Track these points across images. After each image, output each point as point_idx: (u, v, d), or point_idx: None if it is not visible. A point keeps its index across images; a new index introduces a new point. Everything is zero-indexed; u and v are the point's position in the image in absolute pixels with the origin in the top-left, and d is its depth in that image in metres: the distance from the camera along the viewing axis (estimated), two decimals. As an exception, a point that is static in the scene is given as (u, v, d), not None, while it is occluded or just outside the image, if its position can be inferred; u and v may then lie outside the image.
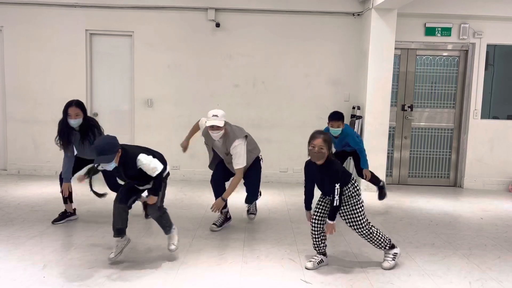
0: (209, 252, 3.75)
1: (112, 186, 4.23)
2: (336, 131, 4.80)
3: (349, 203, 3.40)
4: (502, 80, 7.06)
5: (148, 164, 3.27)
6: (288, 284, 3.18)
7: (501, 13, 6.49)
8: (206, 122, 4.19)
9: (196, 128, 4.58)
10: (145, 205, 4.40)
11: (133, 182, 3.50)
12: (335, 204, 3.26)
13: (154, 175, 3.30)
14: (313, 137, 3.27)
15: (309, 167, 3.43)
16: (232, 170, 4.33)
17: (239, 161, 4.15)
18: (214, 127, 4.09)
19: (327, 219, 3.36)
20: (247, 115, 6.76)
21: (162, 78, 6.78)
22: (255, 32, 6.71)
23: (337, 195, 3.24)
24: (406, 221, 4.95)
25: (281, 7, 6.62)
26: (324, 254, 3.53)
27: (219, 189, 4.38)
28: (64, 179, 4.31)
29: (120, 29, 6.72)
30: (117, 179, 4.02)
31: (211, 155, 4.49)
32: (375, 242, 3.45)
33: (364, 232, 3.41)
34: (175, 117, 6.82)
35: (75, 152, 4.35)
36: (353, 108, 6.64)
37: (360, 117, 6.31)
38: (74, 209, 4.58)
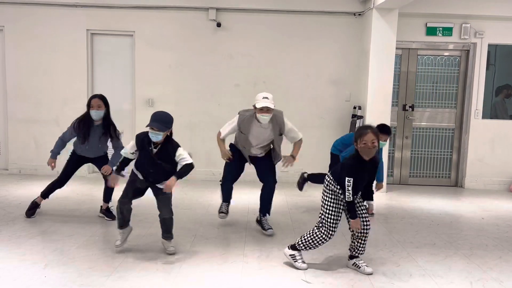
0: (210, 251, 3.75)
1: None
2: (383, 144, 4.66)
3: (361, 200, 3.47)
4: (504, 80, 7.04)
5: (184, 156, 3.58)
6: (289, 284, 3.18)
7: (502, 13, 6.48)
8: (255, 103, 4.09)
9: (222, 141, 4.47)
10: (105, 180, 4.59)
11: (158, 172, 3.58)
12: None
13: (183, 162, 3.56)
14: (362, 133, 3.18)
15: (357, 166, 3.25)
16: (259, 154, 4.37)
17: (298, 133, 4.32)
18: (265, 109, 4.05)
19: (368, 201, 3.55)
20: (248, 115, 6.74)
21: (163, 78, 6.78)
22: (256, 32, 6.71)
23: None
24: (407, 221, 4.95)
25: (282, 7, 6.62)
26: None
27: (229, 192, 4.46)
28: (52, 154, 4.48)
29: (121, 29, 6.72)
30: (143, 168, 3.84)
31: (245, 146, 4.34)
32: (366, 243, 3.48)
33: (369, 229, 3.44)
34: (176, 117, 6.65)
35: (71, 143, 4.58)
36: (354, 108, 6.63)
37: (361, 117, 6.31)
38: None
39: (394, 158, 6.97)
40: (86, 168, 6.83)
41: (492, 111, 7.02)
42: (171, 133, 3.61)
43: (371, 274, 3.35)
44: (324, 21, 6.71)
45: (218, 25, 6.62)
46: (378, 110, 6.23)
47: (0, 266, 3.29)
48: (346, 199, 3.24)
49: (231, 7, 6.62)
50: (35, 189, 5.83)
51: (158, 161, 3.53)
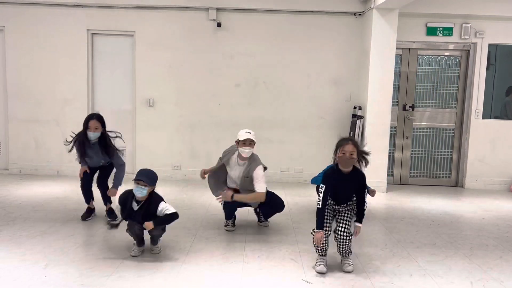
0: (210, 252, 3.75)
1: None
2: None
3: (352, 209, 3.48)
4: (504, 80, 7.04)
5: (167, 207, 3.58)
6: (289, 283, 3.18)
7: (502, 13, 6.48)
8: (239, 138, 4.25)
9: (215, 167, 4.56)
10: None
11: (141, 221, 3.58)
12: (365, 208, 3.46)
13: (167, 213, 3.55)
14: (342, 144, 3.25)
15: (333, 176, 3.33)
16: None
17: (262, 185, 4.19)
18: (247, 142, 4.19)
19: (355, 223, 3.39)
20: (248, 115, 6.75)
21: (163, 78, 6.78)
22: (257, 32, 6.71)
23: (366, 198, 3.47)
24: (408, 221, 4.94)
25: (283, 7, 6.62)
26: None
27: (231, 211, 4.45)
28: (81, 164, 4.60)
29: (122, 29, 6.73)
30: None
31: (220, 181, 4.50)
32: (349, 247, 3.46)
33: (350, 238, 3.42)
34: (176, 117, 6.82)
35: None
36: (355, 108, 6.63)
37: (361, 117, 6.31)
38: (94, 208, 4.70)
39: (395, 158, 6.97)
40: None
41: (502, 111, 7.03)
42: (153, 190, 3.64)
43: (350, 272, 3.37)
44: (325, 21, 6.71)
45: (219, 25, 6.63)
46: (378, 110, 6.23)
47: (1, 266, 3.30)
48: (316, 205, 3.33)
49: (231, 7, 6.62)
50: (36, 189, 5.86)
51: (139, 218, 3.52)
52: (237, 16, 6.67)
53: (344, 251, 3.44)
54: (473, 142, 6.82)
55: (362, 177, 3.39)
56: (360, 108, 6.45)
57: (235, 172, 4.35)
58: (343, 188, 3.37)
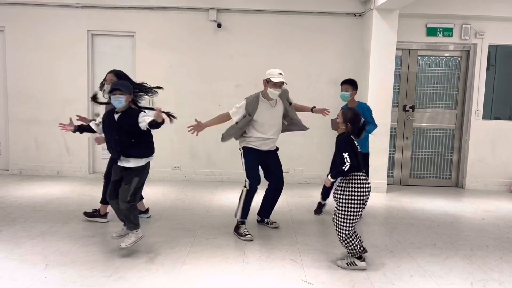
0: (210, 252, 3.75)
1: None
2: (342, 94, 5.05)
3: None
4: (504, 80, 7.04)
5: (147, 115, 3.61)
6: (289, 284, 3.18)
7: (503, 13, 6.49)
8: (270, 77, 4.14)
9: (223, 119, 4.49)
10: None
11: (119, 144, 3.58)
12: None
13: (145, 128, 3.61)
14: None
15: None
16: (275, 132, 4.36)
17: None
18: (278, 84, 4.14)
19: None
20: (248, 116, 6.74)
21: (163, 79, 6.77)
22: (257, 33, 6.71)
23: None
24: (408, 221, 4.94)
25: (283, 7, 6.62)
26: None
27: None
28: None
29: (122, 30, 6.73)
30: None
31: (262, 133, 4.32)
32: None
33: None
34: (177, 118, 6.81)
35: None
36: (355, 108, 6.63)
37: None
38: (106, 214, 4.57)
39: (395, 159, 6.97)
40: (86, 169, 6.84)
41: (511, 112, 7.05)
42: (133, 101, 3.73)
43: (341, 267, 3.43)
44: (325, 22, 6.71)
45: (219, 25, 6.63)
46: (378, 111, 6.20)
47: (1, 267, 3.30)
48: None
49: (231, 8, 6.63)
50: (36, 190, 5.86)
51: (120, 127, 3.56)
52: (237, 17, 6.68)
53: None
54: (473, 142, 6.82)
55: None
56: (360, 108, 6.45)
57: (267, 113, 4.25)
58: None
